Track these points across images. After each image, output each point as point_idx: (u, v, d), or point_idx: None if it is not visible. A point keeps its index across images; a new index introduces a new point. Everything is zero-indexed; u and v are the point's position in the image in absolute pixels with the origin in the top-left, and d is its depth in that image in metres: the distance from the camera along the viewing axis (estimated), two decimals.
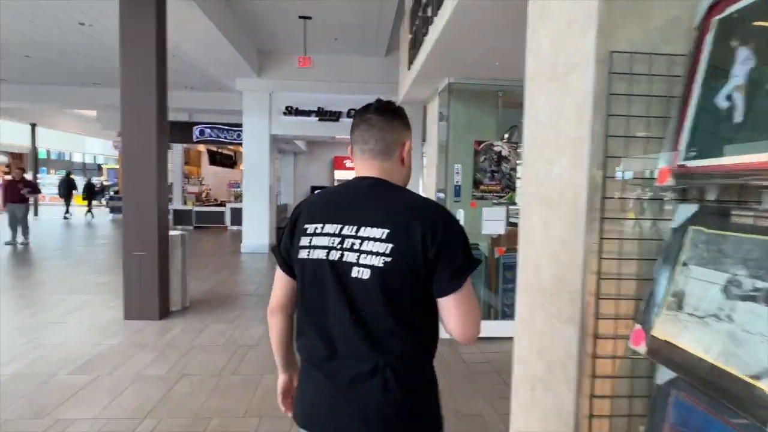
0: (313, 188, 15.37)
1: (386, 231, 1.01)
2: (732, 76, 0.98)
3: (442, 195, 4.67)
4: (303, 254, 1.08)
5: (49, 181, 20.37)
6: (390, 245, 1.00)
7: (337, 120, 9.23)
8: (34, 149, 16.26)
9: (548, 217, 1.65)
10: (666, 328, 1.05)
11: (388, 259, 0.99)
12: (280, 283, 1.19)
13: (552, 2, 1.66)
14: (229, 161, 17.51)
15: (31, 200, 11.52)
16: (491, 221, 4.29)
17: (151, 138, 4.53)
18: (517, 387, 1.93)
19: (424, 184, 7.44)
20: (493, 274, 4.53)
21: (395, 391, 1.01)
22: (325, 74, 8.58)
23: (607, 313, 1.33)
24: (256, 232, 9.19)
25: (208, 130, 12.53)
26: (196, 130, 12.49)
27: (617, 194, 1.33)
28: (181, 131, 12.23)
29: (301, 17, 6.76)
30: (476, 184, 4.44)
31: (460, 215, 4.40)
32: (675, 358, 1.01)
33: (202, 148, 15.91)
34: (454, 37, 3.47)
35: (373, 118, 1.12)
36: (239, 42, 7.20)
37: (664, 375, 1.09)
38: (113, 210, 16.31)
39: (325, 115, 9.21)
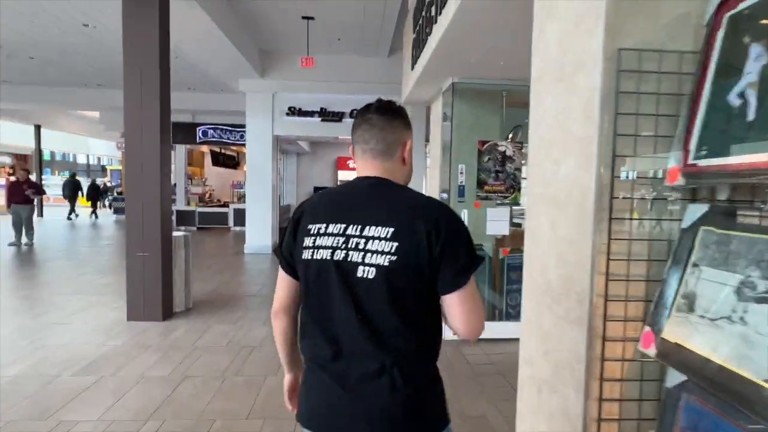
0: (316, 189, 15.41)
1: (391, 230, 1.01)
2: (745, 74, 0.96)
3: (445, 195, 4.65)
4: (306, 255, 1.08)
5: (53, 182, 20.49)
6: (395, 244, 1.00)
7: (339, 120, 9.22)
8: (39, 150, 16.35)
9: (555, 217, 1.63)
10: (676, 330, 1.03)
11: (394, 258, 0.99)
12: (283, 284, 1.18)
13: (559, 2, 1.64)
14: (232, 162, 17.56)
15: (36, 201, 11.56)
16: (495, 222, 4.27)
17: (154, 139, 4.53)
18: (523, 389, 1.91)
19: (428, 185, 7.42)
20: (497, 275, 4.50)
21: (402, 390, 1.01)
22: (328, 75, 8.59)
23: (615, 314, 1.32)
24: (260, 233, 9.21)
25: (211, 131, 12.58)
26: (199, 131, 12.55)
27: (622, 194, 1.31)
28: (184, 132, 12.30)
29: (303, 17, 6.77)
30: (480, 184, 4.39)
31: (464, 216, 4.38)
32: (685, 361, 0.99)
33: (205, 148, 15.97)
34: (458, 37, 3.46)
35: (374, 117, 1.12)
36: (242, 42, 7.21)
37: (674, 378, 1.07)
38: (116, 211, 16.39)
39: (327, 115, 9.20)
